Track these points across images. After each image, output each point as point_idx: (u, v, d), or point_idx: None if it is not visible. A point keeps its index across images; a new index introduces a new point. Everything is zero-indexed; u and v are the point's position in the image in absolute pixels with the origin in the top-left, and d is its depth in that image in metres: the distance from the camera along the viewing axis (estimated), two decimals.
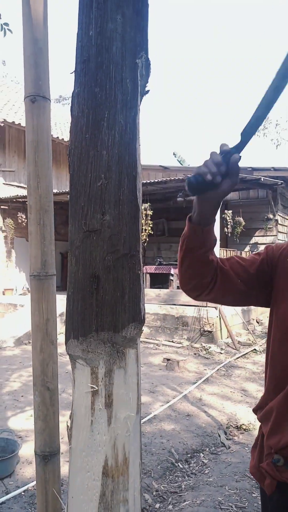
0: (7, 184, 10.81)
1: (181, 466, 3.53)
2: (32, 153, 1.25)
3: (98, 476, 0.76)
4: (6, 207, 10.45)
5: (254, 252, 1.19)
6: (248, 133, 0.87)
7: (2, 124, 10.18)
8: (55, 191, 8.97)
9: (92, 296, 0.75)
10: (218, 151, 0.86)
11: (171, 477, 3.36)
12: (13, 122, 10.18)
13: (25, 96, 1.25)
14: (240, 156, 0.87)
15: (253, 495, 3.06)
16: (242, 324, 8.55)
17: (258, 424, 1.23)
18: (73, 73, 0.80)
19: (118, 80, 0.76)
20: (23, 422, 4.18)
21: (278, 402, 1.04)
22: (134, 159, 0.77)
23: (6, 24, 3.43)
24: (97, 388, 0.76)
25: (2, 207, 10.56)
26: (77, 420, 0.77)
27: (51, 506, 1.23)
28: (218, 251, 7.83)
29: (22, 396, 4.94)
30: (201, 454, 3.74)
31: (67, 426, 0.80)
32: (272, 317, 1.10)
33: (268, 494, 1.06)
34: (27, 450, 3.51)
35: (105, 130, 0.76)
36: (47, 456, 1.24)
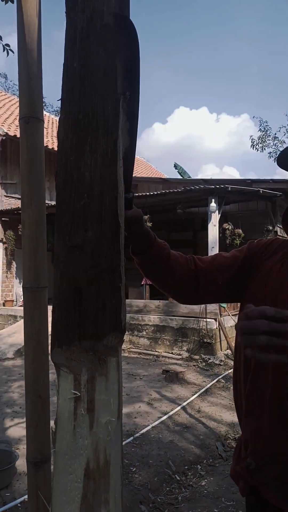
0: (8, 196, 10.92)
1: (178, 478, 3.54)
2: (26, 171, 1.31)
3: (80, 478, 0.80)
4: (7, 219, 10.55)
5: (236, 249, 1.22)
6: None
7: (3, 138, 10.33)
8: (53, 203, 9.06)
9: (75, 307, 0.80)
10: None
11: (168, 489, 3.37)
12: (15, 135, 10.34)
13: (20, 118, 1.32)
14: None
15: None
16: None
17: None
18: (60, 101, 0.87)
19: (100, 108, 0.83)
20: (21, 433, 4.19)
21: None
22: (114, 180, 0.83)
23: (8, 45, 3.56)
24: (79, 394, 0.80)
25: (3, 219, 10.66)
26: (61, 424, 0.82)
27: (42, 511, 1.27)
28: None
29: (20, 407, 4.96)
30: (198, 466, 3.75)
31: (52, 430, 0.84)
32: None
33: (242, 496, 1.08)
34: (24, 461, 3.53)
35: (88, 154, 0.82)
36: (38, 463, 1.28)
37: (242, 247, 1.19)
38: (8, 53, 3.50)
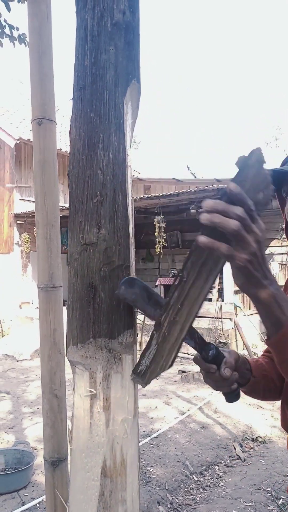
0: (23, 199, 11.05)
1: (195, 478, 3.51)
2: (39, 172, 1.32)
3: (97, 477, 0.80)
4: (22, 222, 10.66)
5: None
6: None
7: (17, 142, 10.45)
8: (65, 205, 9.13)
9: (89, 305, 0.80)
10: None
11: (185, 489, 3.35)
12: (29, 139, 10.44)
13: (32, 119, 1.33)
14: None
15: (268, 508, 3.02)
16: (258, 335, 8.46)
17: (274, 436, 1.22)
18: (71, 100, 0.87)
19: (111, 106, 0.83)
20: (39, 432, 4.22)
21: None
22: (126, 178, 0.83)
23: (24, 34, 3.58)
24: (95, 392, 0.80)
25: (18, 222, 10.78)
26: (77, 422, 0.82)
27: (60, 511, 1.27)
28: None
29: (38, 408, 5.00)
30: (216, 466, 3.72)
31: (68, 428, 0.85)
32: None
33: None
34: (43, 461, 3.56)
35: (100, 151, 0.82)
36: (56, 462, 1.28)
37: None
38: (26, 44, 3.53)
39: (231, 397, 0.92)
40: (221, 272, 8.14)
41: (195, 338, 0.86)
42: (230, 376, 0.86)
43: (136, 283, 0.78)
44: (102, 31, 0.84)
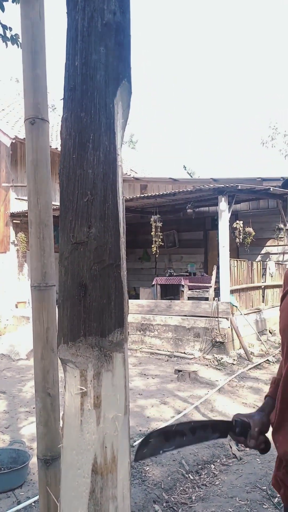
0: (19, 199, 11.03)
1: (191, 477, 3.52)
2: (32, 171, 1.33)
3: (88, 474, 0.81)
4: (19, 222, 10.65)
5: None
6: None
7: (14, 141, 10.43)
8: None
9: (80, 303, 0.81)
10: None
11: (181, 488, 3.36)
12: (24, 138, 10.43)
13: (25, 119, 1.34)
14: None
15: (264, 506, 3.03)
16: (255, 334, 8.48)
17: (270, 435, 1.27)
18: (62, 100, 0.88)
19: (102, 106, 0.84)
20: (34, 432, 4.22)
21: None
22: (117, 177, 0.83)
23: (17, 35, 3.54)
24: (86, 389, 0.81)
25: (14, 221, 10.77)
26: (68, 420, 0.83)
27: (53, 509, 1.28)
28: (229, 261, 7.84)
29: (33, 407, 4.99)
30: (212, 465, 3.73)
31: (60, 426, 0.85)
32: None
33: (284, 506, 1.05)
34: None
35: (91, 151, 0.82)
36: (49, 460, 1.29)
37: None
38: (18, 45, 3.50)
39: (262, 452, 1.14)
40: (217, 271, 8.16)
41: (220, 429, 1.08)
42: (254, 445, 1.10)
43: (149, 441, 0.94)
44: (93, 31, 0.85)
